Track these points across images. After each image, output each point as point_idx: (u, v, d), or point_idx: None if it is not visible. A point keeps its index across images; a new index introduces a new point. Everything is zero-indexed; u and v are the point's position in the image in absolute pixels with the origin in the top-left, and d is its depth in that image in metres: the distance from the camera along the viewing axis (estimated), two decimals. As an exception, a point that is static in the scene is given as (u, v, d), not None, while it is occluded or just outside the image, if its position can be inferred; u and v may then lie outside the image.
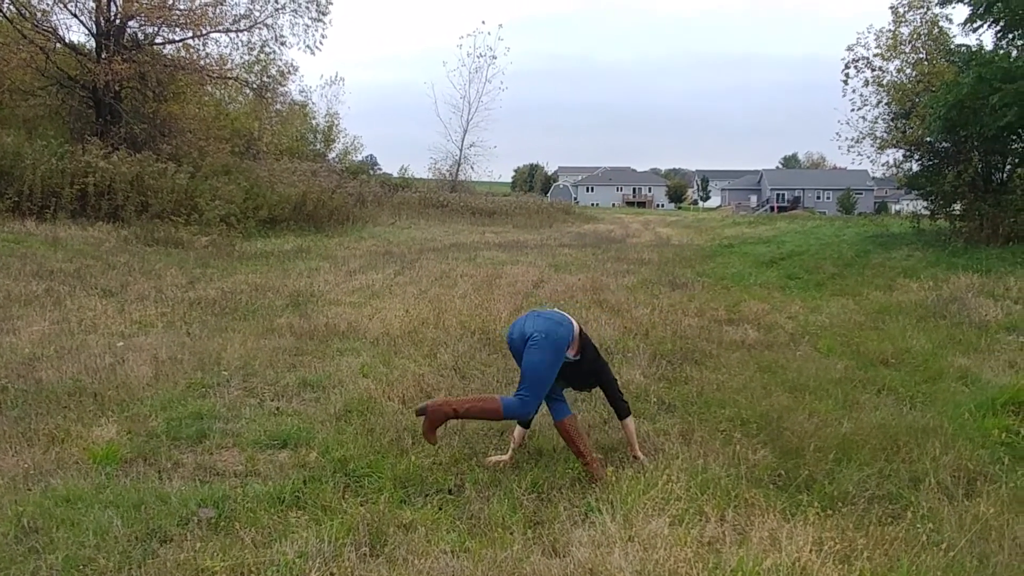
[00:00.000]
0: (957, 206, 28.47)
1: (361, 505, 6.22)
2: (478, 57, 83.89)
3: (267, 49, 37.42)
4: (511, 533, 5.81)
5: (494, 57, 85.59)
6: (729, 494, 6.40)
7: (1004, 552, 5.65)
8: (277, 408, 8.87)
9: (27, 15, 30.82)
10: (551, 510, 6.32)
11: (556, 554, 5.54)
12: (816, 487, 6.83)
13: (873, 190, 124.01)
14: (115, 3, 32.02)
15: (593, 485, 6.80)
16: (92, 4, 31.82)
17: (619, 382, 8.05)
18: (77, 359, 10.22)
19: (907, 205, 72.64)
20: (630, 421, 7.49)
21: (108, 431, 7.78)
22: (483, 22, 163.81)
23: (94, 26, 32.42)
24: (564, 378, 7.29)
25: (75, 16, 32.57)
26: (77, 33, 45.73)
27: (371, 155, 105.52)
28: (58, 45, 32.43)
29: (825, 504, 6.21)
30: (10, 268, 16.59)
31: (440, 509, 6.28)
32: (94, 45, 32.93)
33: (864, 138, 35.88)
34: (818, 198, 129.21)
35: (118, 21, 32.15)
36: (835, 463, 7.38)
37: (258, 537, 5.59)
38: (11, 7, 30.76)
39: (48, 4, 32.02)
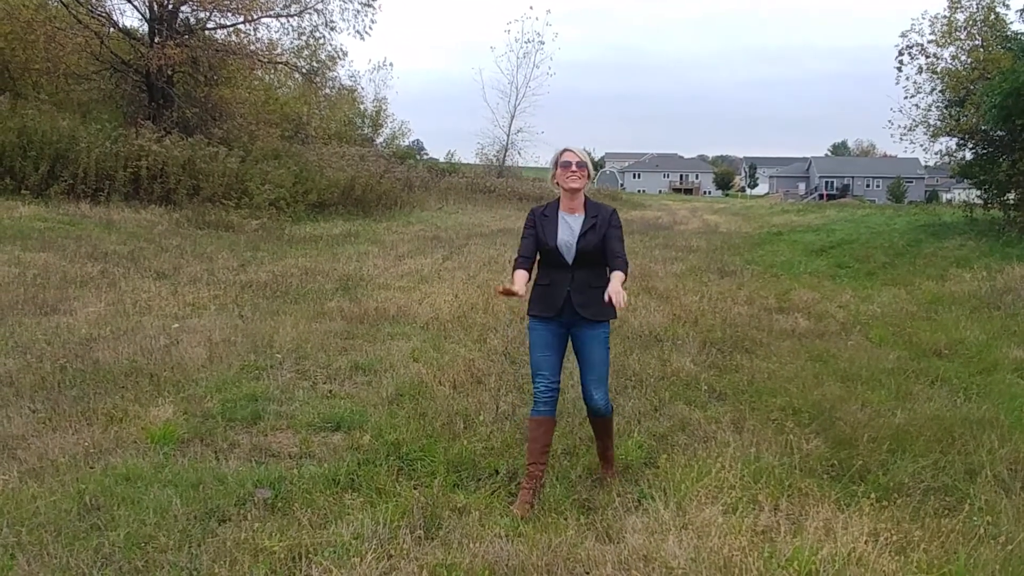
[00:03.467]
0: (1011, 195, 28.13)
1: (415, 488, 6.26)
2: (526, 42, 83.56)
3: (317, 34, 37.64)
4: (565, 518, 5.83)
5: (542, 42, 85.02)
6: (782, 483, 6.38)
7: (1065, 545, 5.56)
8: (330, 391, 8.94)
9: (82, 1, 31.09)
10: (604, 496, 6.33)
11: (610, 540, 5.56)
12: (870, 478, 6.77)
13: (924, 179, 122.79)
14: (168, -12, 32.24)
15: (645, 472, 6.81)
16: (146, -10, 32.07)
17: (669, 368, 7.93)
18: (133, 340, 10.34)
19: (958, 194, 71.92)
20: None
21: (165, 411, 7.87)
22: (531, 7, 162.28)
23: (147, 11, 32.71)
24: None
25: (129, 1, 32.98)
26: (131, 18, 46.23)
27: (418, 140, 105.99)
28: (112, 30, 32.76)
29: (880, 495, 6.12)
30: (66, 250, 16.79)
31: (493, 494, 6.31)
32: (147, 30, 33.23)
33: (917, 126, 35.63)
34: (867, 186, 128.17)
35: (171, 6, 32.40)
36: (889, 454, 7.34)
37: (314, 518, 5.65)
38: (67, -7, 31.04)
39: (103, -11, 32.26)
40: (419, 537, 5.49)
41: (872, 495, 6.03)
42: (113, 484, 6.08)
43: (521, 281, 6.30)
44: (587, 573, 5.05)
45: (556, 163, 6.55)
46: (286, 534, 5.38)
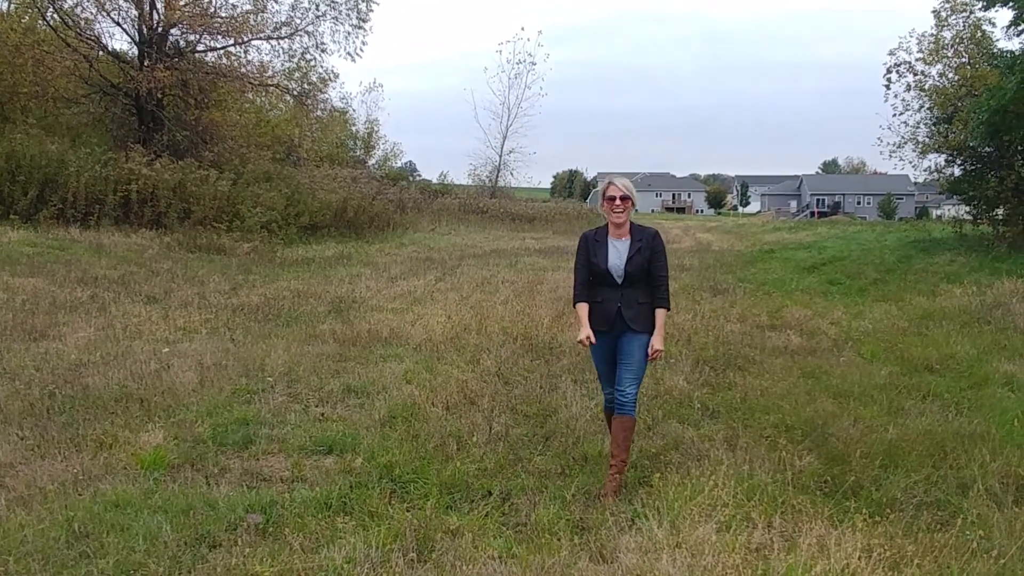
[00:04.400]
0: (1000, 211, 28.31)
1: (407, 511, 6.23)
2: (518, 63, 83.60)
3: (308, 56, 37.62)
4: (558, 539, 5.81)
5: (534, 63, 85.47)
6: (776, 500, 6.37)
7: (1057, 561, 5.56)
8: (322, 414, 8.92)
9: (71, 24, 31.21)
10: (597, 516, 6.30)
11: (604, 560, 5.54)
12: (863, 493, 6.80)
13: (914, 195, 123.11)
14: (158, 11, 32.41)
15: (638, 491, 6.79)
16: (135, 12, 32.22)
17: (663, 387, 8.11)
18: (123, 365, 10.32)
19: (948, 210, 72.24)
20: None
21: (155, 436, 7.84)
22: (522, 28, 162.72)
23: (137, 34, 32.83)
24: None
25: (118, 24, 33.01)
26: (120, 41, 46.18)
27: (410, 161, 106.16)
28: (101, 53, 32.86)
29: (873, 511, 6.15)
30: (55, 274, 16.77)
31: (487, 515, 6.26)
32: (137, 53, 33.30)
33: (906, 143, 35.84)
34: (858, 203, 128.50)
35: (160, 29, 32.51)
36: (882, 469, 7.35)
37: (306, 543, 5.62)
38: (55, 16, 31.09)
39: (92, 13, 32.41)
40: (412, 560, 5.46)
41: (865, 511, 6.05)
42: (102, 511, 6.04)
43: (586, 318, 7.25)
44: (580, 594, 5.03)
45: (603, 194, 7.26)
46: (277, 559, 5.34)
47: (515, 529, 6.11)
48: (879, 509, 6.29)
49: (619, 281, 7.17)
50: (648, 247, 7.15)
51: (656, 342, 7.08)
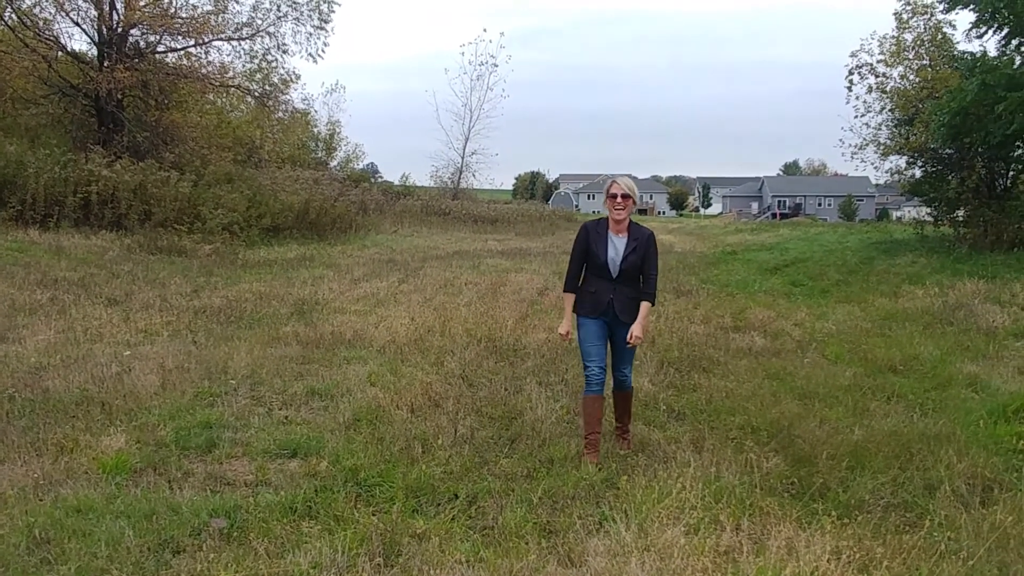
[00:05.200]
0: (961, 212, 28.49)
1: (373, 515, 6.18)
2: (480, 65, 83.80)
3: (269, 57, 37.37)
4: (525, 542, 5.77)
5: (496, 65, 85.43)
6: (743, 503, 6.38)
7: (1025, 561, 5.57)
8: (286, 417, 8.85)
9: (29, 24, 30.84)
10: (565, 519, 6.28)
11: (572, 564, 5.52)
12: (830, 495, 6.80)
13: (874, 197, 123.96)
14: (117, 12, 32.08)
15: (606, 493, 6.77)
16: (94, 13, 31.84)
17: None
18: (84, 368, 10.20)
19: (908, 212, 72.78)
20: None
21: (117, 440, 7.73)
22: (484, 30, 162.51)
23: (96, 35, 32.45)
24: None
25: (77, 24, 32.57)
26: (79, 42, 45.83)
27: (372, 163, 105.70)
28: (60, 54, 32.44)
29: (841, 512, 6.17)
30: (14, 277, 16.55)
31: (453, 519, 6.23)
32: (96, 53, 32.93)
33: (867, 144, 35.98)
34: (819, 205, 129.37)
35: (120, 29, 32.17)
36: (848, 471, 7.36)
37: (271, 547, 5.56)
38: (13, 16, 30.76)
39: (50, 13, 32.04)
40: (378, 565, 5.42)
41: (833, 513, 6.06)
42: (63, 516, 5.95)
43: (570, 310, 8.10)
44: (549, 598, 4.99)
45: (607, 192, 7.90)
46: (242, 564, 5.28)
47: (482, 532, 6.07)
48: (847, 511, 6.32)
49: (613, 275, 7.84)
50: (643, 247, 7.84)
51: (635, 329, 7.72)
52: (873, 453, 7.81)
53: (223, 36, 35.04)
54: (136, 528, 5.76)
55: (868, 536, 5.77)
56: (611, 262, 7.82)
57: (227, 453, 7.66)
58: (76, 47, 34.71)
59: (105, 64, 31.32)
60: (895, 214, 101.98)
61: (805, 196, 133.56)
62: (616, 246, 7.84)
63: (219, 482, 6.97)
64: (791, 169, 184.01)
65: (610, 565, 5.29)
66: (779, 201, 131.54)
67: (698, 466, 7.22)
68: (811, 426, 8.71)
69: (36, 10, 31.63)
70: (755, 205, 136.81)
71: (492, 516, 6.33)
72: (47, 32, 31.63)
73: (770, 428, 8.62)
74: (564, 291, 8.20)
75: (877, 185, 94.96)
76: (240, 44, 35.99)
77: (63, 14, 31.87)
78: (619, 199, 7.72)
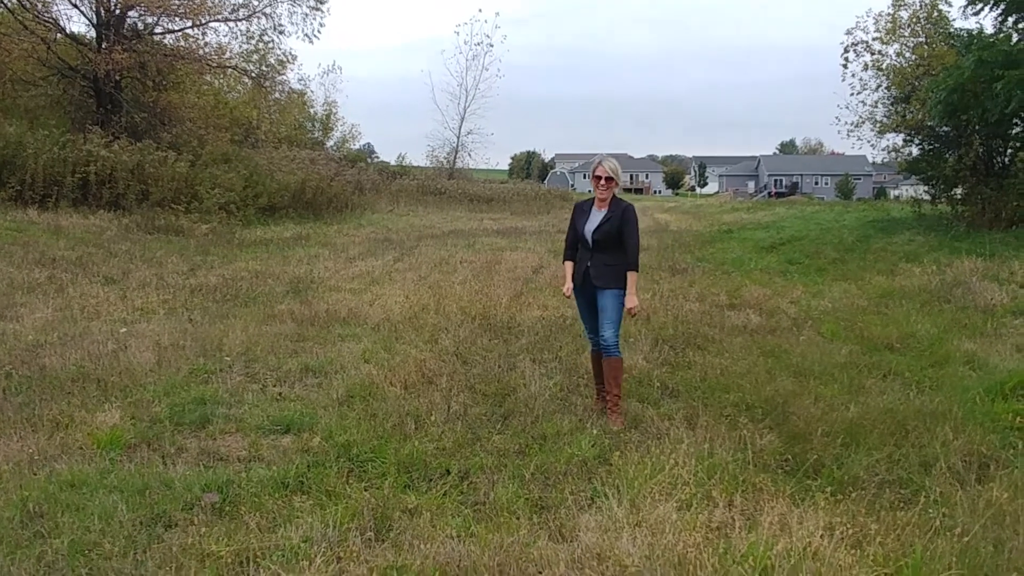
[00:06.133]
0: (958, 190, 28.40)
1: (365, 490, 6.20)
2: (475, 45, 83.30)
3: (266, 38, 37.47)
4: (517, 518, 5.80)
5: (491, 45, 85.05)
6: (737, 479, 6.38)
7: (1020, 538, 5.54)
8: (279, 394, 8.89)
9: (28, 6, 30.96)
10: (557, 495, 6.29)
11: (563, 539, 5.53)
12: (825, 472, 6.80)
13: (872, 175, 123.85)
14: (115, -7, 32.02)
15: (598, 470, 6.78)
16: (92, -5, 31.84)
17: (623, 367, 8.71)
18: (80, 346, 10.24)
19: (906, 190, 72.60)
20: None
21: (112, 417, 7.78)
22: (480, 10, 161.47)
23: (94, 16, 32.54)
24: None
25: (75, 6, 32.65)
26: (78, 23, 45.80)
27: (368, 143, 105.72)
28: (59, 35, 32.58)
29: (835, 489, 6.18)
30: (13, 256, 16.63)
31: (445, 494, 6.25)
32: (94, 35, 33.05)
33: (864, 122, 35.99)
34: (816, 183, 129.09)
35: (118, 11, 32.20)
36: (843, 448, 7.35)
37: (263, 522, 5.58)
38: (12, -2, 30.78)
39: (49, -5, 32.00)
40: (369, 539, 5.44)
41: (827, 489, 6.07)
42: (57, 491, 5.98)
43: (570, 275, 8.77)
44: (540, 573, 5.00)
45: (592, 172, 8.57)
46: (234, 538, 5.30)
47: (474, 508, 6.08)
48: (841, 487, 6.30)
49: (590, 245, 8.42)
50: (618, 218, 8.33)
51: (628, 300, 8.32)
52: (868, 430, 7.79)
53: (220, 17, 35.14)
54: (129, 502, 5.79)
55: (862, 512, 5.73)
56: (587, 233, 8.41)
57: (221, 429, 7.69)
58: (75, 29, 35.02)
59: (103, 46, 31.42)
60: (893, 192, 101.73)
61: (802, 175, 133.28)
62: (594, 218, 8.44)
63: (212, 457, 7.00)
64: (788, 148, 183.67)
65: (601, 540, 5.29)
66: (776, 180, 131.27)
67: (691, 443, 7.22)
68: (806, 403, 8.68)
69: (35, -8, 31.62)
70: (751, 184, 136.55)
71: (484, 492, 6.34)
72: (46, 14, 31.75)
73: (765, 405, 8.61)
74: (564, 261, 8.88)
75: (874, 164, 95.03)
76: (237, 25, 36.17)
77: (62, -4, 31.88)
78: (603, 181, 8.37)
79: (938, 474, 6.75)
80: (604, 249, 8.36)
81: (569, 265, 8.76)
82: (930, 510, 5.79)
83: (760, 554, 4.98)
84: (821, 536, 5.23)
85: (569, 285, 8.71)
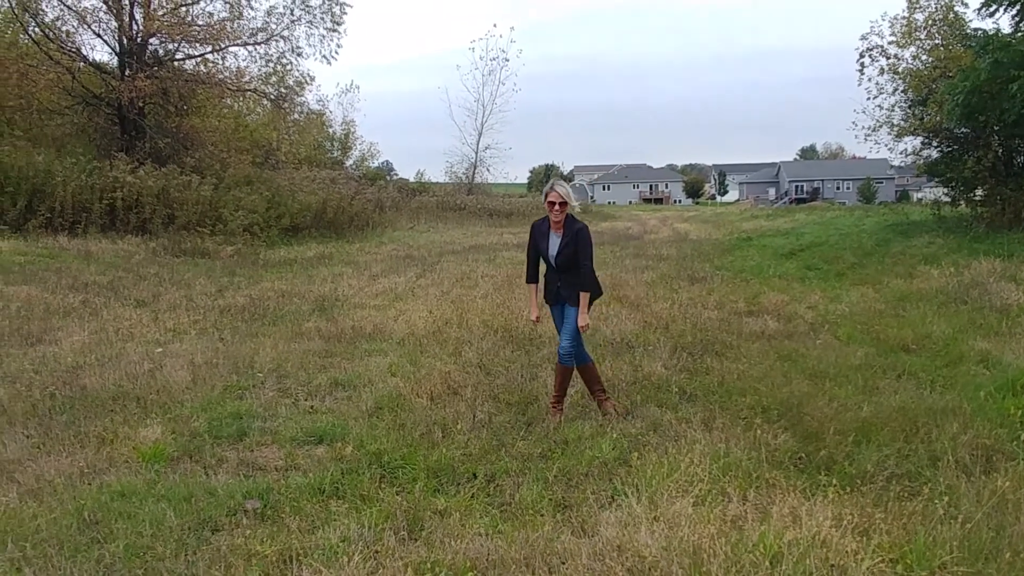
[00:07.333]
0: (978, 192, 28.31)
1: (397, 494, 6.53)
2: (491, 60, 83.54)
3: (284, 60, 37.69)
4: (541, 516, 6.10)
5: (507, 60, 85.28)
6: (751, 476, 6.65)
7: (1021, 523, 5.76)
8: (311, 407, 9.20)
9: (52, 36, 31.44)
10: (579, 495, 6.58)
11: (585, 534, 5.81)
12: (836, 468, 7.01)
13: (894, 178, 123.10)
14: (136, 22, 32.59)
15: (618, 470, 7.07)
16: (115, 24, 32.43)
17: (641, 373, 9.45)
18: (118, 366, 10.58)
19: (929, 193, 72.28)
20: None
21: (154, 432, 8.12)
22: (495, 25, 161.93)
23: (117, 45, 33.06)
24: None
25: (99, 36, 33.27)
26: (101, 52, 46.18)
27: (387, 161, 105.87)
28: (83, 65, 33.04)
29: (845, 483, 6.40)
30: (47, 282, 16.99)
31: (472, 496, 6.56)
32: (117, 63, 33.55)
33: (881, 126, 35.74)
34: (838, 189, 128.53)
35: (140, 39, 32.68)
36: (855, 445, 7.56)
37: (303, 524, 5.92)
38: (36, 29, 31.27)
39: (72, 25, 32.74)
40: (403, 538, 5.76)
41: (837, 483, 6.29)
42: (109, 500, 6.33)
43: (534, 298, 9.39)
44: (563, 564, 5.29)
45: (544, 197, 8.85)
46: (277, 539, 5.64)
47: (500, 508, 6.39)
48: (851, 482, 6.53)
49: (555, 267, 8.90)
50: (573, 241, 8.75)
51: (580, 319, 8.77)
52: (880, 427, 8.01)
53: (239, 42, 35.54)
54: (176, 509, 6.13)
55: (870, 504, 6.00)
56: (551, 256, 8.88)
57: (257, 441, 8.02)
58: (98, 58, 35.25)
59: (126, 73, 31.94)
60: (916, 195, 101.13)
61: (823, 180, 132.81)
62: (553, 242, 8.86)
63: (251, 467, 7.33)
64: (808, 154, 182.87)
65: (620, 534, 5.57)
66: (796, 186, 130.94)
67: (707, 443, 7.50)
68: (820, 404, 8.88)
69: (59, 23, 32.31)
70: (772, 191, 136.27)
71: (509, 493, 6.65)
72: (70, 44, 32.35)
73: (780, 407, 8.81)
74: (526, 282, 9.46)
75: (897, 167, 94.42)
76: (255, 49, 36.47)
77: (85, 26, 32.64)
78: (557, 206, 8.67)
79: (945, 467, 6.95)
80: (568, 270, 8.83)
81: (533, 288, 9.39)
82: (935, 500, 5.96)
83: (771, 543, 5.24)
84: (830, 526, 5.47)
85: (536, 313, 9.40)
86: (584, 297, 8.75)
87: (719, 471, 6.68)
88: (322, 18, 37.15)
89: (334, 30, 37.64)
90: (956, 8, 32.16)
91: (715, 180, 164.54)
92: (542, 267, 9.18)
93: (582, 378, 9.20)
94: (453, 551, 5.46)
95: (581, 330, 8.77)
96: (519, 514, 6.19)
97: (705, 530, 5.47)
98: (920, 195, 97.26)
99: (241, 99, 39.95)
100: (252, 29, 35.93)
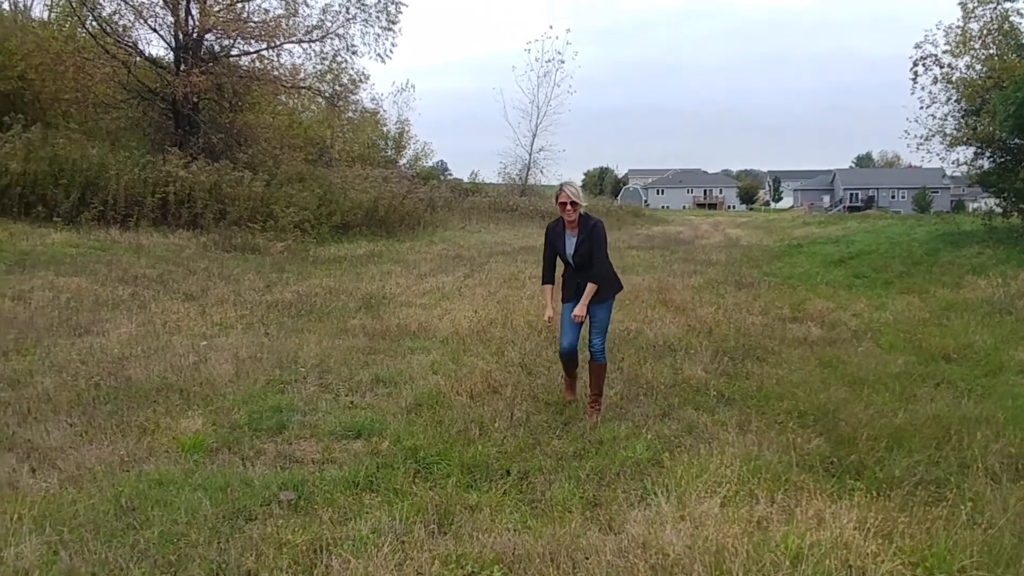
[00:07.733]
0: (1031, 203, 28.12)
1: (430, 489, 6.62)
2: (546, 62, 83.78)
3: (339, 58, 37.84)
4: (570, 513, 6.20)
5: (562, 61, 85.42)
6: (779, 478, 6.70)
7: (1046, 530, 5.79)
8: (351, 402, 9.32)
9: (109, 31, 31.89)
10: (610, 493, 6.67)
11: (612, 531, 5.89)
12: (866, 472, 7.06)
13: (949, 188, 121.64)
14: (193, 17, 32.93)
15: (650, 470, 7.14)
16: (171, 19, 32.82)
17: (681, 376, 9.63)
18: (163, 358, 10.77)
19: (984, 203, 71.58)
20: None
21: (194, 423, 8.29)
22: (551, 27, 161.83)
23: (173, 40, 33.46)
24: None
25: (155, 31, 33.66)
26: (157, 47, 46.80)
27: (442, 161, 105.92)
28: (139, 59, 33.49)
29: (873, 488, 6.45)
30: (97, 274, 17.31)
31: (504, 493, 6.65)
32: (173, 58, 33.97)
33: (933, 135, 35.38)
34: (893, 197, 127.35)
35: (196, 35, 33.03)
36: (886, 451, 7.60)
37: (335, 516, 6.06)
38: (94, 23, 31.75)
39: (129, 20, 33.11)
40: (433, 531, 5.87)
41: (864, 487, 6.35)
42: (147, 488, 6.49)
43: (549, 299, 9.50)
44: (587, 559, 5.38)
45: (556, 198, 9.09)
46: (308, 529, 5.77)
47: (531, 505, 6.48)
48: (879, 486, 6.56)
49: (574, 266, 9.06)
50: (589, 238, 8.93)
51: (578, 308, 8.91)
52: (912, 434, 8.04)
53: (294, 39, 35.74)
54: (212, 499, 6.28)
55: (895, 508, 6.03)
56: (568, 255, 9.05)
57: (296, 434, 8.16)
58: (154, 53, 35.72)
59: (181, 68, 32.27)
60: (971, 205, 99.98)
61: (878, 188, 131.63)
62: (569, 242, 9.03)
63: (288, 460, 7.46)
64: (864, 161, 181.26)
65: (646, 532, 5.64)
66: (851, 194, 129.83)
67: (740, 445, 7.58)
68: (856, 410, 8.92)
69: (116, 17, 32.68)
70: (827, 198, 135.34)
71: (541, 491, 6.74)
72: (126, 38, 32.73)
73: (816, 412, 8.87)
74: (542, 284, 9.65)
75: (953, 177, 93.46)
76: (310, 46, 36.64)
77: (141, 21, 32.96)
78: (568, 206, 8.84)
79: (974, 474, 7.00)
80: (586, 266, 8.96)
81: (548, 289, 9.52)
82: (960, 506, 6.00)
83: (793, 544, 5.30)
84: (854, 528, 5.53)
85: (550, 312, 9.45)
86: (589, 289, 8.87)
87: (748, 473, 6.74)
88: (377, 17, 37.31)
89: (389, 29, 37.81)
90: (1012, 18, 31.84)
91: (769, 186, 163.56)
92: (558, 270, 9.34)
93: (591, 377, 9.20)
94: (481, 544, 5.57)
95: (574, 319, 8.92)
96: (549, 511, 6.28)
97: (730, 530, 5.55)
98: (976, 205, 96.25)
99: (296, 96, 40.30)
100: (307, 27, 36.16)
